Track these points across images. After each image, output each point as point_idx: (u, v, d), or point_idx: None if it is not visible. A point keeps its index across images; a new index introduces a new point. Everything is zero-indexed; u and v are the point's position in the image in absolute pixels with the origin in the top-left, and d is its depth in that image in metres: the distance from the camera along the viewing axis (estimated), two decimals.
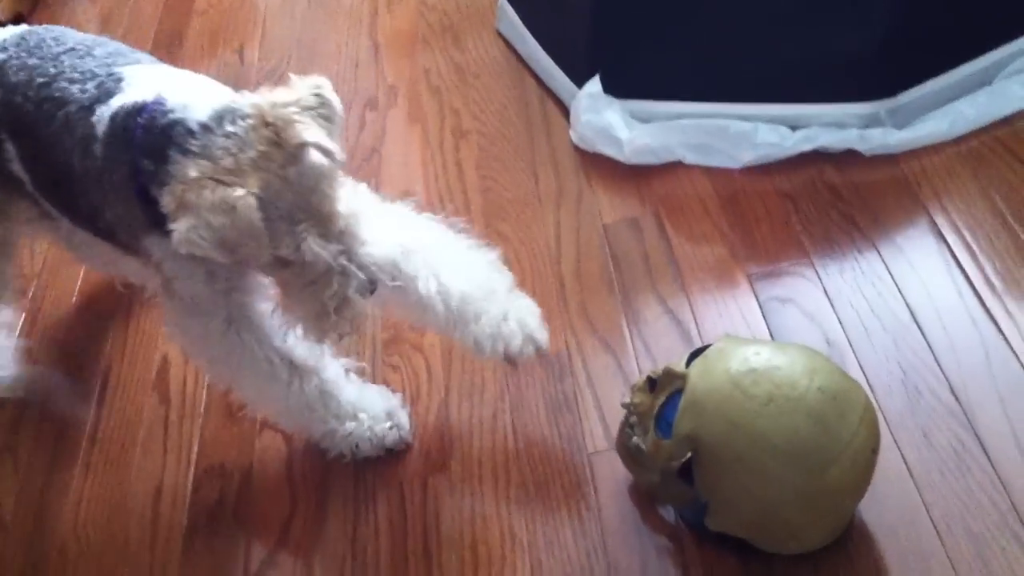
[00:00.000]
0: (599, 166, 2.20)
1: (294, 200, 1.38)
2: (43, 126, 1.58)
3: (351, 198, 1.50)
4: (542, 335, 1.64)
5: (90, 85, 1.54)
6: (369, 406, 1.73)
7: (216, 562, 1.70)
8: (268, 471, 1.80)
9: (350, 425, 1.72)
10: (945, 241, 1.87)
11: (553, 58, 2.40)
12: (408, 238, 1.66)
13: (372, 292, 1.49)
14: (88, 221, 1.65)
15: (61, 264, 2.19)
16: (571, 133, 2.27)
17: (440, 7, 2.82)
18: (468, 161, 2.31)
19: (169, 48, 2.94)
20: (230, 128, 1.37)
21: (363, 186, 1.68)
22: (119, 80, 1.53)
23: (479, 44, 2.64)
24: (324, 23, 2.89)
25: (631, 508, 1.61)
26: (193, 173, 1.34)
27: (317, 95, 1.41)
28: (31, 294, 2.24)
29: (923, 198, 1.96)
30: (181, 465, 1.85)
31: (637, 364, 1.81)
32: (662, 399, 1.49)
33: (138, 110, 1.45)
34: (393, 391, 1.81)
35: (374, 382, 1.86)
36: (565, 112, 2.33)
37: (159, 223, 1.45)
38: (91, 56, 1.60)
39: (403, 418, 1.76)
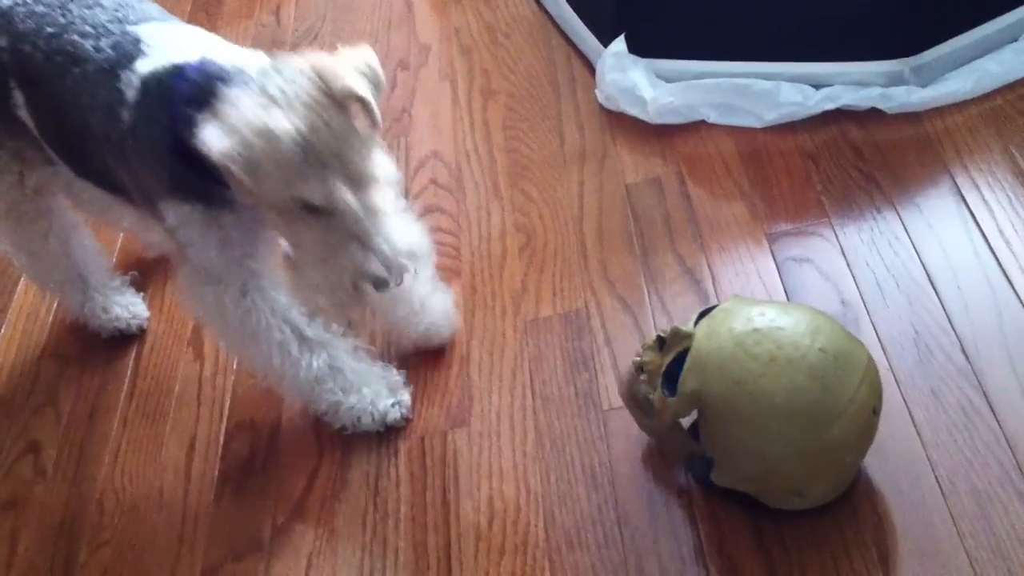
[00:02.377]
0: (624, 125, 2.23)
1: (334, 147, 1.39)
2: (55, 79, 1.60)
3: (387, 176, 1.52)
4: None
5: (104, 43, 1.57)
6: (374, 381, 1.79)
7: (246, 512, 1.77)
8: (295, 426, 1.87)
9: (354, 398, 1.77)
10: (965, 201, 1.87)
11: (581, 17, 2.42)
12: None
13: (396, 282, 1.50)
14: (97, 176, 1.69)
15: (99, 225, 2.26)
16: (597, 92, 2.29)
17: None
18: (495, 121, 2.34)
19: (207, 9, 2.99)
20: (286, 72, 1.40)
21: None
22: (136, 41, 1.56)
23: (510, 3, 2.66)
24: None
25: (642, 464, 1.65)
26: (244, 99, 1.39)
27: (367, 64, 1.46)
28: None
29: (945, 157, 1.96)
30: (214, 420, 1.93)
31: (654, 323, 1.85)
32: (670, 358, 1.52)
33: (178, 70, 1.49)
34: (398, 370, 1.84)
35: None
36: (592, 71, 2.35)
37: (180, 185, 1.50)
38: (100, 6, 1.62)
39: (405, 396, 1.81)
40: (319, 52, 1.45)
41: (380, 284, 1.48)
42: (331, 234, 1.45)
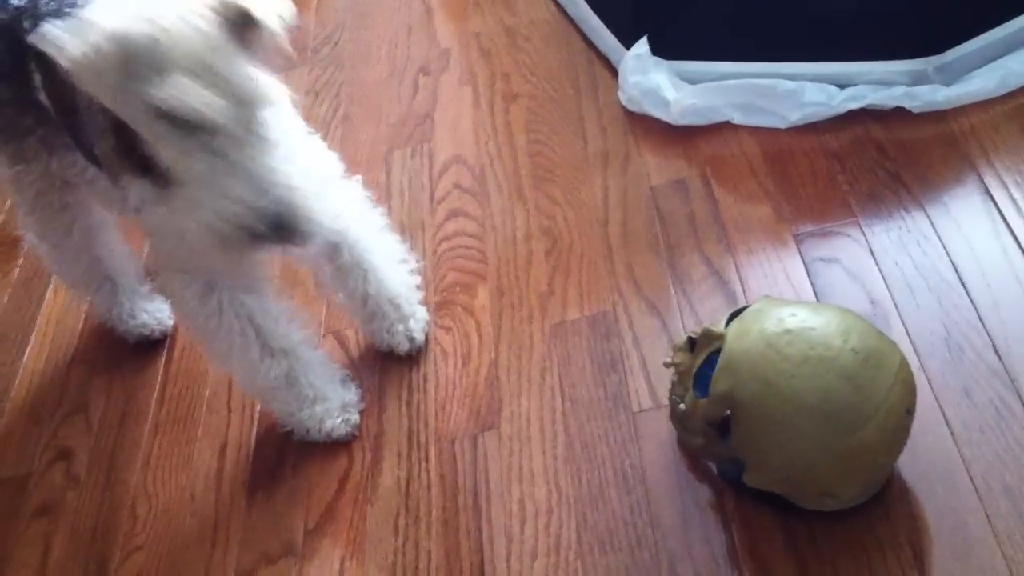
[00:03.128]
0: (647, 127, 2.23)
1: (197, 52, 1.30)
2: None
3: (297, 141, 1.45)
4: (419, 337, 1.93)
5: None
6: (328, 398, 1.81)
7: (277, 516, 1.78)
8: None
9: (305, 412, 1.80)
10: (992, 199, 1.87)
11: (602, 19, 2.42)
12: (353, 223, 1.74)
13: (287, 226, 1.36)
14: (90, 154, 1.68)
15: (127, 229, 2.27)
16: (619, 95, 2.29)
17: None
18: (518, 124, 2.35)
19: None
20: None
21: (332, 154, 1.69)
22: None
23: (529, 6, 2.66)
24: None
25: (674, 465, 1.65)
26: (99, 5, 1.33)
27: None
28: None
29: (971, 155, 1.95)
30: (244, 423, 1.94)
31: (683, 324, 1.85)
32: (701, 359, 1.53)
33: None
34: (357, 385, 1.89)
35: (426, 343, 1.93)
36: (613, 73, 2.35)
37: (128, 153, 1.47)
38: None
39: (354, 415, 1.84)
40: None
41: (261, 221, 1.35)
42: (202, 154, 1.35)
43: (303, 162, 1.45)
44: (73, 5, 1.59)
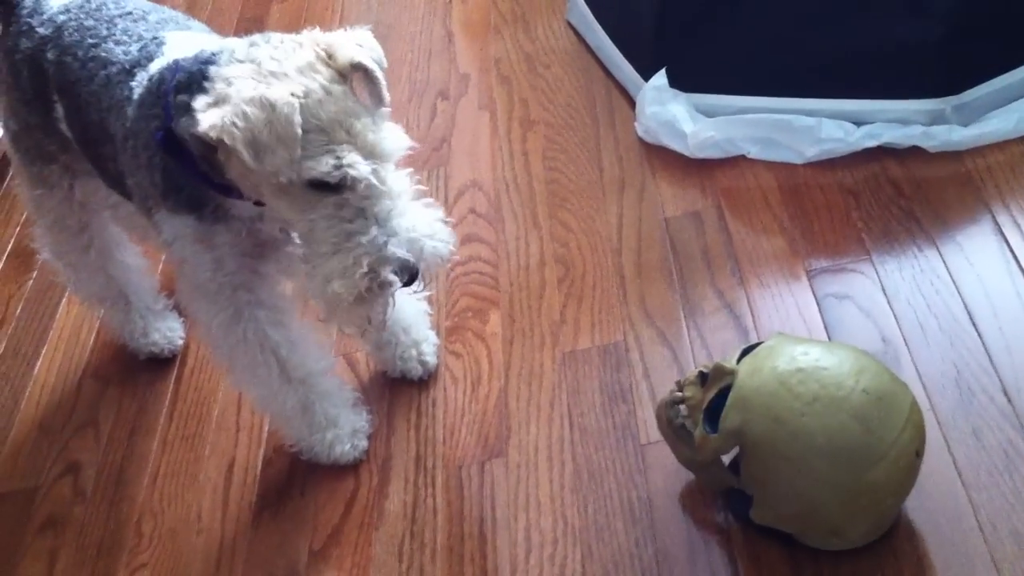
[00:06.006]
0: (663, 159, 2.23)
1: (337, 116, 1.32)
2: (84, 85, 1.60)
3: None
4: (432, 360, 1.94)
5: (134, 47, 1.56)
6: (339, 425, 1.82)
7: (283, 536, 1.78)
8: None
9: (316, 437, 1.81)
10: (1006, 240, 1.86)
11: (621, 50, 2.43)
12: None
13: (425, 270, 1.42)
14: (116, 183, 1.69)
15: (143, 246, 2.28)
16: (636, 125, 2.30)
17: None
18: (535, 151, 2.36)
19: (248, 35, 3.02)
20: (277, 43, 1.36)
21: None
22: (161, 44, 1.54)
23: (549, 34, 2.68)
24: (400, 12, 2.94)
25: (681, 498, 1.65)
26: (235, 72, 1.33)
27: (367, 41, 1.41)
28: None
29: (986, 196, 1.95)
30: (252, 443, 1.94)
31: (693, 357, 1.85)
32: (712, 393, 1.53)
33: (174, 63, 1.46)
34: (368, 410, 1.89)
35: (436, 368, 1.94)
36: (631, 104, 2.36)
37: (173, 191, 1.49)
38: (144, 20, 1.62)
39: (363, 441, 1.85)
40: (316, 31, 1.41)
41: (404, 270, 1.40)
42: (345, 214, 1.38)
43: (422, 207, 1.47)
44: (96, 36, 1.61)
